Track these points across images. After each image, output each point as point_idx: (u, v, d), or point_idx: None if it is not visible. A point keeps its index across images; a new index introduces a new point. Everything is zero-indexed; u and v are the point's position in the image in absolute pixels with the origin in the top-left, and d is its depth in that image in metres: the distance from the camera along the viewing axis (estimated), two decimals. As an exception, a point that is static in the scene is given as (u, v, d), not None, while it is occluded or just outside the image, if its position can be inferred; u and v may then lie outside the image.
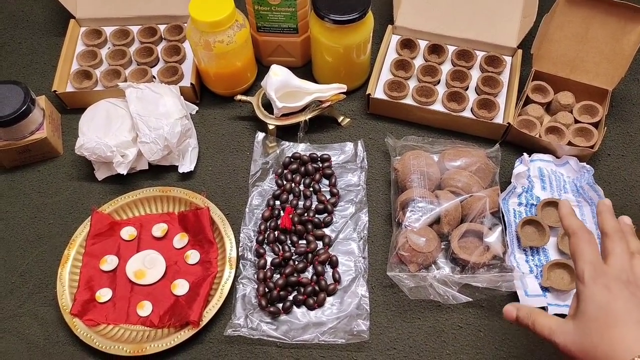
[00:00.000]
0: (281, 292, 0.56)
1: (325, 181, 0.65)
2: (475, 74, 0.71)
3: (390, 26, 0.74)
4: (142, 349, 0.53)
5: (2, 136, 0.64)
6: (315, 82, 0.69)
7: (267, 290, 0.57)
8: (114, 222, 0.62)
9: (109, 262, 0.59)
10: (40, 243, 0.63)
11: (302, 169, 0.65)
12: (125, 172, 0.63)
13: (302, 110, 0.67)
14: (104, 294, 0.58)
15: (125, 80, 0.71)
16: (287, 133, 0.68)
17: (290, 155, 0.67)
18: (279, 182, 0.65)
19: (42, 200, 0.66)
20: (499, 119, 0.67)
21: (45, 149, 0.67)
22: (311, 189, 0.64)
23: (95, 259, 0.59)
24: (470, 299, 0.54)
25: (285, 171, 0.65)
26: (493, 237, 0.56)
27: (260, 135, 0.68)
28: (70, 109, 0.72)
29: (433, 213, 0.57)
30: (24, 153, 0.66)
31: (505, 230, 0.58)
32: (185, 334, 0.54)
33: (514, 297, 0.55)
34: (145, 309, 0.57)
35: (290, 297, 0.57)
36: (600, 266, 0.40)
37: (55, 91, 0.69)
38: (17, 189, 0.67)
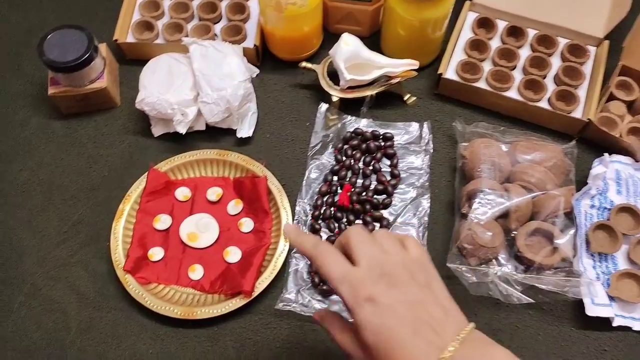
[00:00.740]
0: (335, 271, 0.55)
1: (387, 161, 0.63)
2: (555, 63, 0.66)
3: (467, 2, 0.70)
4: (192, 312, 0.53)
5: (62, 82, 0.63)
6: (382, 54, 0.66)
7: (320, 267, 0.55)
8: (170, 181, 0.60)
9: (163, 221, 0.59)
10: (94, 194, 0.62)
11: (364, 145, 0.63)
12: (184, 132, 0.61)
13: (370, 84, 0.64)
14: (156, 253, 0.57)
15: (187, 36, 0.69)
16: (349, 106, 0.66)
17: (352, 130, 0.64)
18: (338, 157, 0.62)
19: (97, 151, 0.65)
20: (577, 114, 0.63)
21: (103, 98, 0.65)
22: (371, 168, 0.62)
23: (149, 216, 0.59)
24: (532, 301, 0.51)
25: (345, 146, 0.63)
26: (564, 239, 0.53)
27: (324, 107, 0.65)
28: (128, 59, 0.70)
29: (502, 207, 0.54)
30: (82, 101, 0.65)
31: (575, 232, 0.55)
32: (237, 302, 0.53)
33: (579, 303, 0.53)
34: (196, 272, 0.56)
35: (344, 277, 0.55)
36: (353, 275, 0.36)
37: (116, 40, 0.67)
38: (72, 137, 0.66)
